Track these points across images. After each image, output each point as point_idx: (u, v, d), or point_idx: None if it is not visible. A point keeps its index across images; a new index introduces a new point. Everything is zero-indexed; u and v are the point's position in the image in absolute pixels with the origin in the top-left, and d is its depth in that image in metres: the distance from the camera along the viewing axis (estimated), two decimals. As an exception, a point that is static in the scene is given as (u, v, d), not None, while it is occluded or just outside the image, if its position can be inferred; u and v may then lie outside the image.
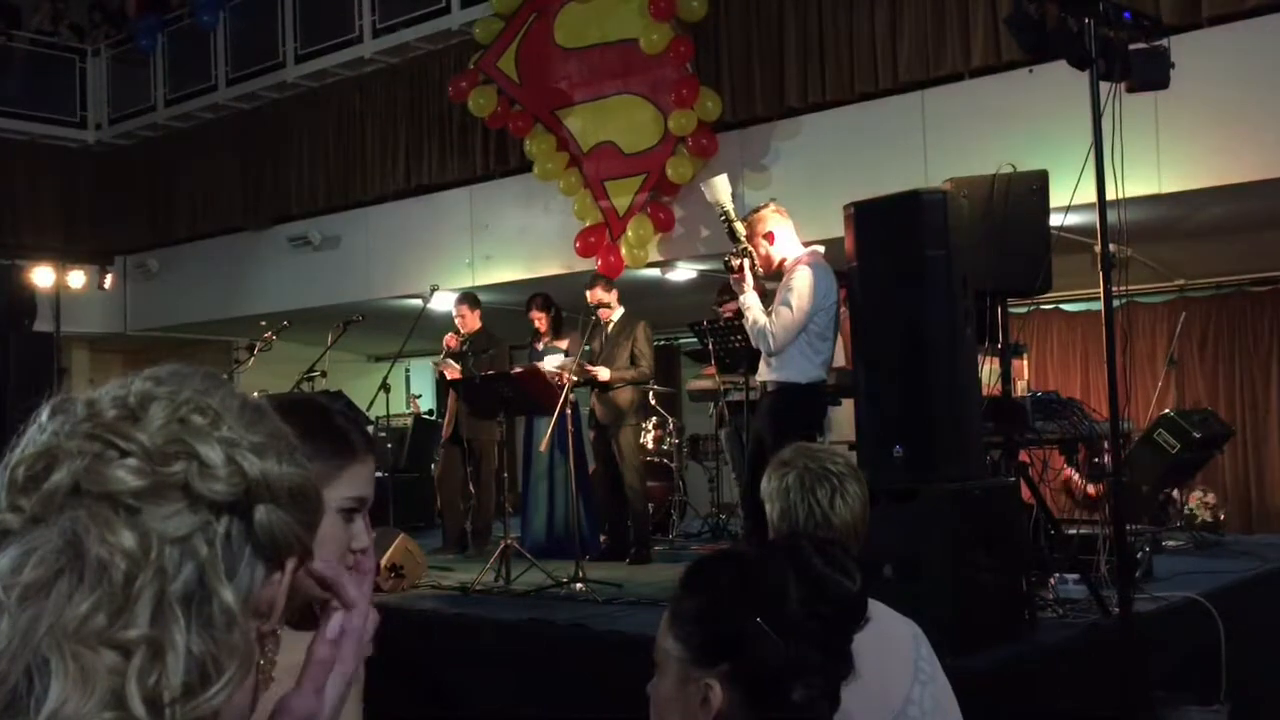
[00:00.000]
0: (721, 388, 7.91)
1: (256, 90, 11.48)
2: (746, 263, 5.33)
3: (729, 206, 5.44)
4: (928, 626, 2.32)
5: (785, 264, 5.41)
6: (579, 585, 5.83)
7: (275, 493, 0.79)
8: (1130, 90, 4.32)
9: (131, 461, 0.73)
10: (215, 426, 0.77)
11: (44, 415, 0.76)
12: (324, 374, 8.13)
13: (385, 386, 7.94)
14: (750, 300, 5.32)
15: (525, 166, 9.28)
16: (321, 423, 1.38)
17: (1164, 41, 4.45)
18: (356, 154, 10.75)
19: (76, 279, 11.32)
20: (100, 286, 11.69)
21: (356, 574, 1.41)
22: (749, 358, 5.82)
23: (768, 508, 2.31)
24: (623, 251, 8.56)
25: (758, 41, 8.34)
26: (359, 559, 1.40)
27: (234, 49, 11.68)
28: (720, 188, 5.43)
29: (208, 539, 0.74)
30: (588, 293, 7.29)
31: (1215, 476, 8.87)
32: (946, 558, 4.00)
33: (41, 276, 10.96)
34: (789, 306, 5.21)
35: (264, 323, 8.54)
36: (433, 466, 9.20)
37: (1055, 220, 4.83)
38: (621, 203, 8.68)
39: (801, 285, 5.23)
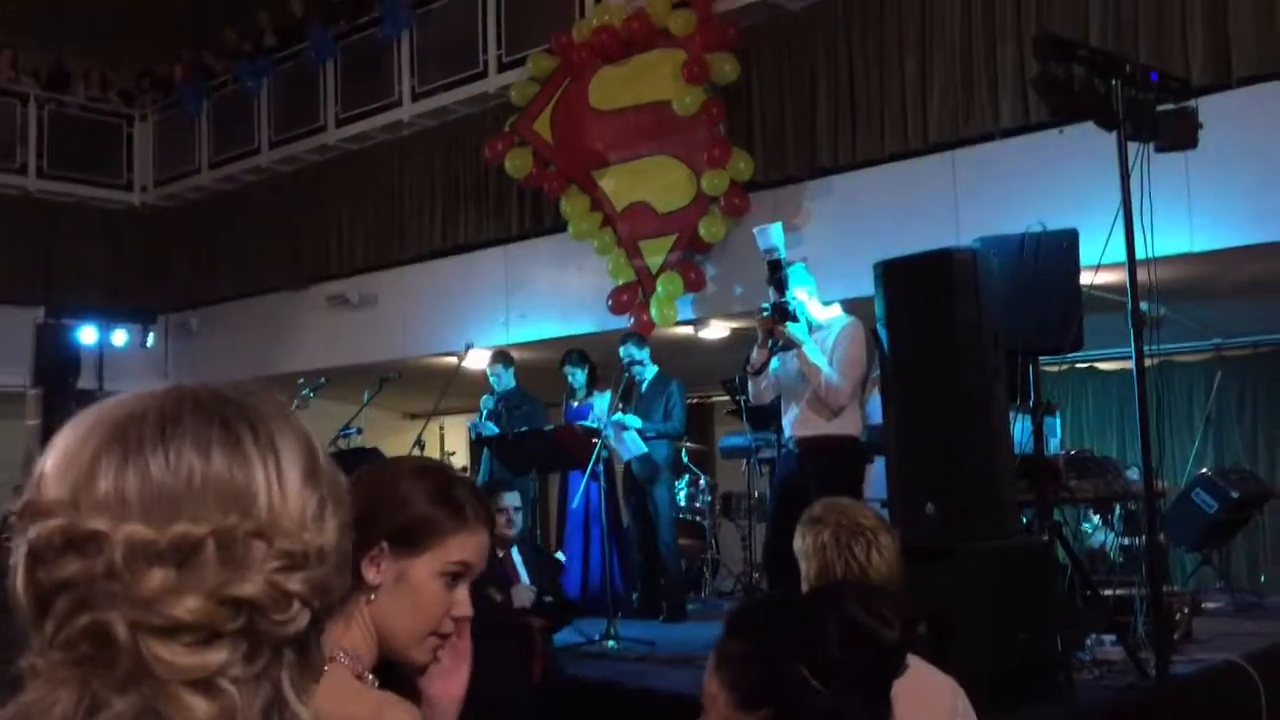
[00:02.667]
0: (754, 444, 7.91)
1: (298, 153, 11.73)
2: (800, 310, 5.30)
3: (785, 254, 5.42)
4: (962, 686, 2.33)
5: (812, 323, 5.43)
6: (611, 643, 5.83)
7: (337, 567, 0.74)
8: (1159, 151, 4.35)
9: (185, 639, 0.67)
10: (262, 545, 0.70)
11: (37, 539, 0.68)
12: (359, 431, 8.20)
13: (420, 443, 7.99)
14: (814, 353, 5.25)
15: (560, 226, 9.40)
16: (444, 489, 1.48)
17: (1192, 102, 4.49)
18: (395, 214, 10.93)
19: (120, 337, 11.54)
20: (143, 344, 11.89)
21: (452, 652, 1.49)
22: (779, 414, 5.80)
23: (803, 566, 2.33)
24: (652, 310, 8.63)
25: (789, 103, 8.45)
26: (455, 641, 1.48)
27: (277, 113, 11.96)
28: (776, 234, 5.43)
29: (279, 669, 0.71)
30: (621, 349, 7.35)
31: (1256, 538, 8.74)
32: (980, 617, 3.97)
33: (86, 335, 11.19)
34: (854, 363, 5.22)
35: (301, 380, 8.65)
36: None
37: (1086, 279, 4.84)
38: (655, 261, 8.76)
39: (858, 340, 5.25)
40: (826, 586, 1.96)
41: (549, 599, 4.92)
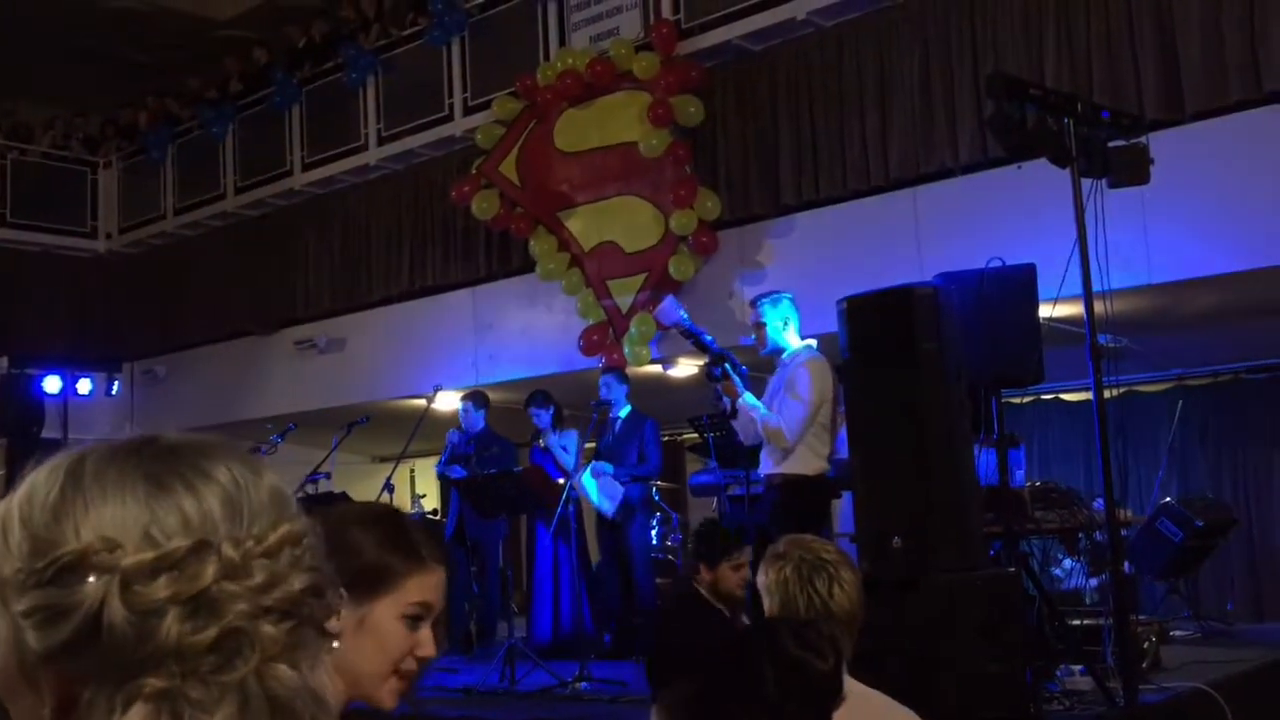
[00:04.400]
0: (724, 482, 7.93)
1: (264, 198, 11.72)
2: (728, 367, 5.47)
3: (688, 322, 5.62)
4: (931, 718, 2.34)
5: (783, 355, 5.53)
6: (584, 684, 5.80)
7: None
8: (1112, 186, 4.44)
9: (283, 623, 0.78)
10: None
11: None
12: (329, 475, 8.15)
13: (389, 486, 7.96)
14: (751, 401, 5.38)
15: (528, 267, 9.44)
16: (395, 535, 1.49)
17: (1143, 138, 4.59)
18: (362, 258, 10.93)
19: (84, 386, 11.44)
20: (108, 393, 11.79)
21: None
22: (749, 452, 5.87)
23: (765, 601, 2.34)
24: (626, 350, 8.66)
25: (753, 142, 8.54)
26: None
27: (242, 158, 11.96)
28: (671, 310, 5.64)
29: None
30: (602, 377, 7.42)
31: (1222, 565, 8.82)
32: (948, 649, 3.99)
33: (50, 384, 11.10)
34: (800, 400, 5.30)
35: (269, 425, 8.60)
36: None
37: (1045, 312, 4.91)
38: (624, 301, 8.80)
39: (807, 379, 5.33)
40: (760, 624, 1.98)
41: None
